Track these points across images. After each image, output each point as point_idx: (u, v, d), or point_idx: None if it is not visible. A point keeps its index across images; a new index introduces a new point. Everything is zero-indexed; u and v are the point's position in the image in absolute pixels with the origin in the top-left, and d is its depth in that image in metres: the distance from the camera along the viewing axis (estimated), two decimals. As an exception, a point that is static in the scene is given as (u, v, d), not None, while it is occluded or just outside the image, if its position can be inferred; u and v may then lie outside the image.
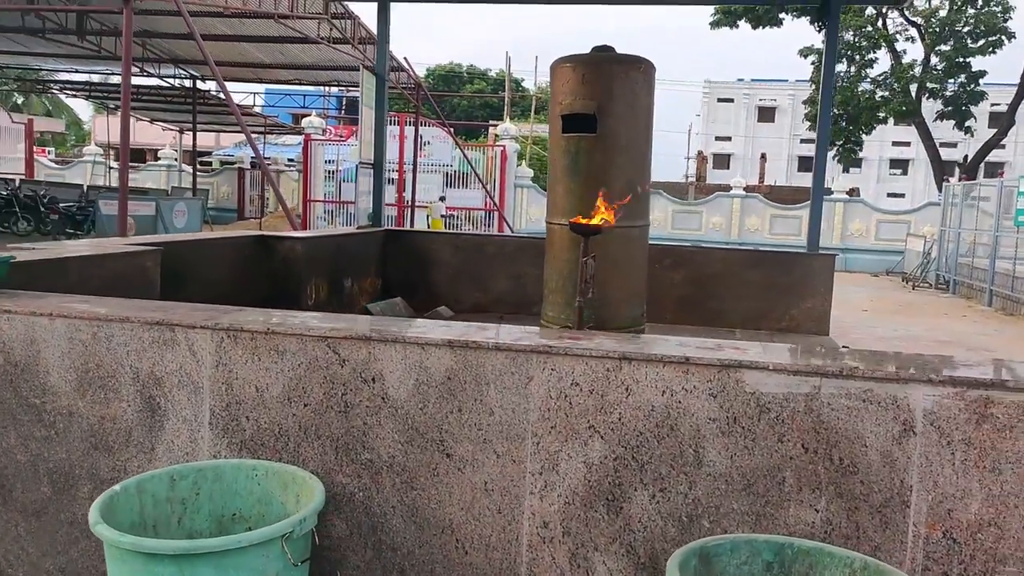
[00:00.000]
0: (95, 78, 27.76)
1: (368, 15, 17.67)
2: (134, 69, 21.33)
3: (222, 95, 25.67)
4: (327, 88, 26.61)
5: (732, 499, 2.60)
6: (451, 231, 11.87)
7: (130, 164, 34.29)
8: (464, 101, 43.18)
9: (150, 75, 21.73)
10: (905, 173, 60.47)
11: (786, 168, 60.30)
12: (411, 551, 2.78)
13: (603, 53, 7.20)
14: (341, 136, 26.47)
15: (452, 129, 25.70)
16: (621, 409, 2.63)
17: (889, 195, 56.39)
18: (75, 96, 30.62)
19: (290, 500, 2.73)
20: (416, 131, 21.72)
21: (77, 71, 24.73)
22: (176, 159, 30.07)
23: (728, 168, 58.64)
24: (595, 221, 5.89)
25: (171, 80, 22.42)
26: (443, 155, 26.68)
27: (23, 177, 26.31)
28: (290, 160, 28.82)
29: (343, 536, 2.82)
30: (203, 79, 23.15)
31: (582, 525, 2.68)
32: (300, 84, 22.99)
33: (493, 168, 25.24)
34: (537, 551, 2.71)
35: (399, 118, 25.20)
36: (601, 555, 2.67)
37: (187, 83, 23.12)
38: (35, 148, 39.52)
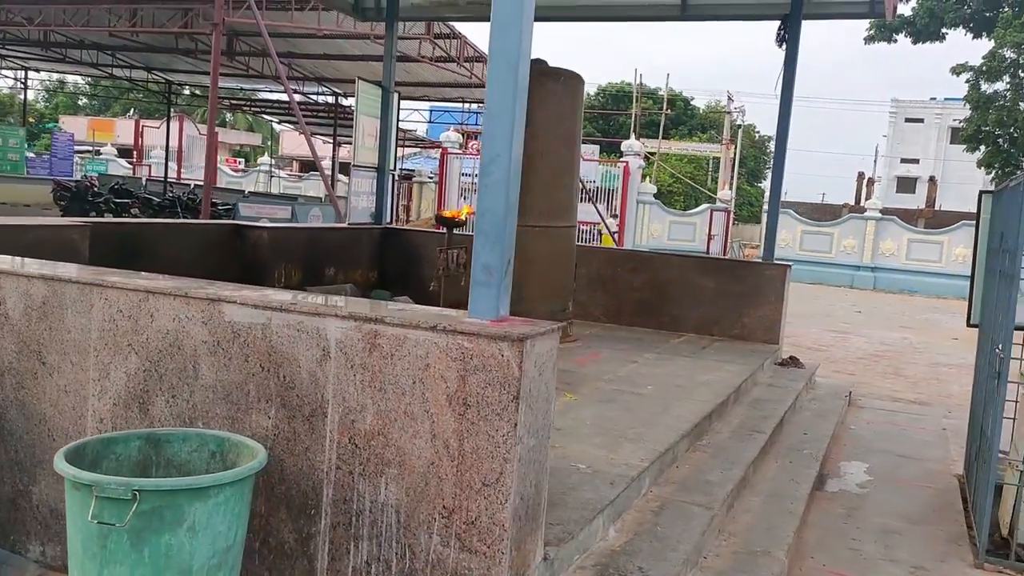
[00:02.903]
0: (271, 96, 30.67)
1: (473, 34, 18.76)
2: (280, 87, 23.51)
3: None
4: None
5: (217, 405, 3.25)
6: (438, 231, 12.55)
7: (298, 174, 37.10)
8: (628, 119, 43.70)
9: (295, 92, 23.77)
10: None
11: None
12: (21, 437, 3.60)
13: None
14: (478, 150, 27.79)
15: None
16: (148, 332, 3.34)
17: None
18: (245, 111, 33.69)
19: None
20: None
21: (243, 89, 27.39)
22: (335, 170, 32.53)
23: (914, 192, 55.68)
24: (449, 214, 6.54)
25: (315, 96, 24.43)
26: (588, 171, 27.43)
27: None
28: (432, 172, 30.50)
29: (-19, 423, 3.68)
30: (345, 96, 25.07)
31: (124, 422, 3.41)
32: (429, 100, 24.39)
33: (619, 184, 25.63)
34: (97, 441, 3.45)
35: (528, 133, 26.14)
36: (136, 447, 3.38)
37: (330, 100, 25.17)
38: (229, 159, 43.51)
